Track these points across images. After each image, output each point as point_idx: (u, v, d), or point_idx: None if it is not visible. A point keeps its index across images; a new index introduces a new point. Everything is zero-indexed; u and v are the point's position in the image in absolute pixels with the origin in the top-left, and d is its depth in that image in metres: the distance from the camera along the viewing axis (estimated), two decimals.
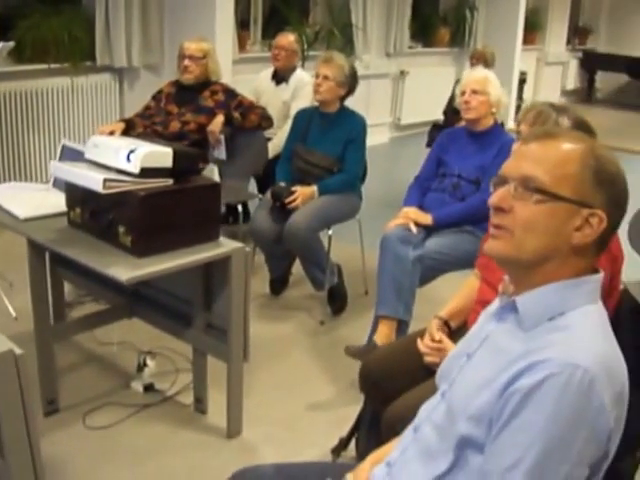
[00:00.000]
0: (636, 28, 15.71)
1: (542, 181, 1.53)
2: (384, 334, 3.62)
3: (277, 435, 3.40)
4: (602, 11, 16.04)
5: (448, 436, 1.60)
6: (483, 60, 6.95)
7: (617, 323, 2.48)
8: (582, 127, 2.50)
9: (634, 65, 14.78)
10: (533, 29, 13.08)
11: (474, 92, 3.97)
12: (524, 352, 1.49)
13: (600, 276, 1.61)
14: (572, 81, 15.35)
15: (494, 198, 1.59)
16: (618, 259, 2.44)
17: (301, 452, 3.24)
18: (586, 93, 15.72)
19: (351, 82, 4.55)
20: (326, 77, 4.46)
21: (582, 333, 1.51)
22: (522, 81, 11.96)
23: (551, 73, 14.26)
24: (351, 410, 3.19)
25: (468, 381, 1.62)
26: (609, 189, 1.55)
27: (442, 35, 10.95)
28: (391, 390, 2.60)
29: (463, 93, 4.02)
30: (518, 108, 11.56)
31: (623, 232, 2.97)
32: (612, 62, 15.17)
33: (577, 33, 15.58)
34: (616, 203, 1.57)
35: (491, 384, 1.51)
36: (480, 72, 4.15)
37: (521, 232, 1.55)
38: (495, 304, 1.75)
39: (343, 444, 3.15)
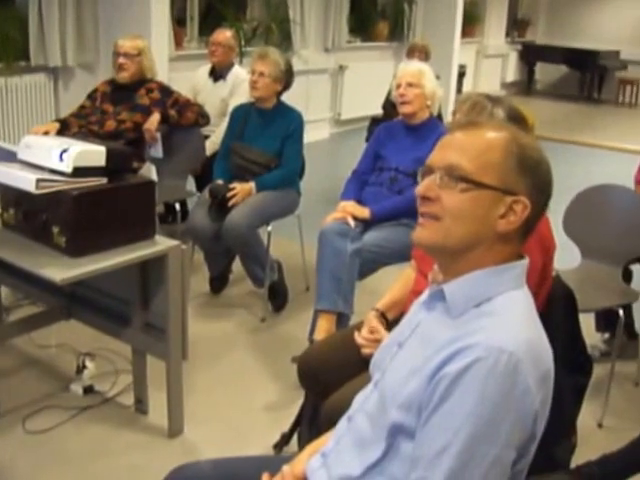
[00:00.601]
0: (574, 19, 15.97)
1: (466, 169, 1.56)
2: (324, 328, 3.62)
3: (219, 433, 3.39)
4: (540, 3, 16.29)
5: (380, 425, 1.61)
6: (425, 52, 7.00)
7: (550, 309, 2.53)
8: (516, 118, 2.53)
9: (573, 56, 15.02)
10: (472, 22, 13.22)
11: (409, 85, 3.99)
12: (452, 339, 1.51)
13: (525, 262, 1.64)
14: (512, 73, 15.57)
15: (420, 188, 1.62)
16: (550, 249, 2.48)
17: (244, 449, 3.23)
18: (526, 85, 15.94)
19: (287, 77, 4.55)
20: (262, 73, 4.45)
21: (508, 318, 1.54)
22: (461, 74, 12.06)
23: (491, 66, 14.43)
24: (293, 406, 3.20)
25: (399, 369, 1.64)
26: (532, 176, 1.58)
27: (381, 29, 10.99)
28: (330, 383, 2.61)
29: (398, 86, 4.03)
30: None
31: (556, 221, 3.02)
32: (551, 54, 15.41)
33: (516, 25, 15.78)
34: (539, 190, 1.60)
35: (420, 371, 1.53)
36: (414, 65, 4.18)
37: (448, 220, 1.57)
38: (426, 293, 1.77)
39: (285, 439, 3.16)
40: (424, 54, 6.94)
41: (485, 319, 1.53)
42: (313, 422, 2.85)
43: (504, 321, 1.53)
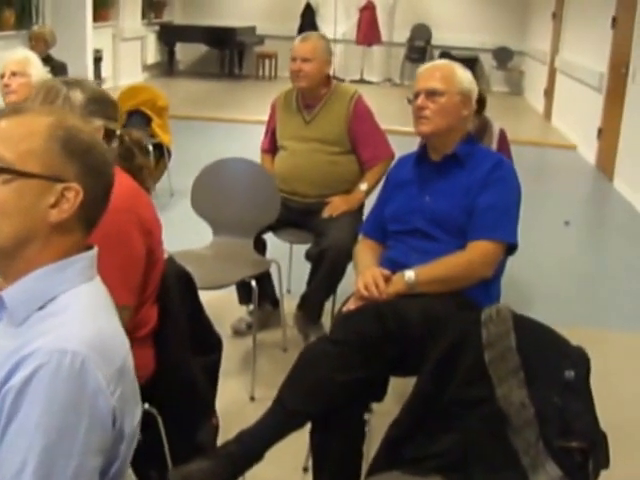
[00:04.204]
0: None
1: (7, 159, 1.43)
2: None
3: None
4: None
5: None
6: (43, 41, 6.70)
7: (166, 293, 2.47)
8: (99, 99, 2.41)
9: (211, 34, 15.27)
10: (105, 5, 12.99)
11: (13, 74, 3.80)
12: (16, 348, 1.38)
13: (93, 253, 1.55)
14: (152, 55, 15.48)
15: None
16: (153, 232, 2.40)
17: None
18: (167, 66, 15.92)
19: None
20: None
21: (72, 316, 1.43)
22: (98, 59, 11.79)
23: (129, 49, 14.25)
24: None
25: None
26: (82, 160, 1.48)
27: (7, 18, 10.39)
28: None
29: (2, 76, 3.82)
30: None
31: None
32: (190, 33, 15.56)
33: (152, 6, 15.66)
34: (93, 173, 1.50)
35: None
36: (20, 53, 3.97)
37: None
38: None
39: None
40: (43, 42, 6.65)
41: (49, 321, 1.42)
42: None
43: (68, 320, 1.42)
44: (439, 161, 2.95)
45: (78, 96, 2.33)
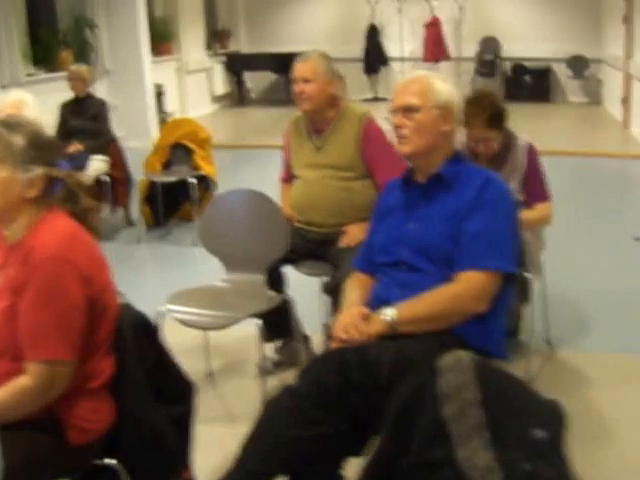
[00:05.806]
0: (274, 25, 16.17)
1: None
2: None
3: None
4: (239, 12, 16.30)
5: None
6: (80, 79, 6.64)
7: (122, 342, 2.29)
8: (42, 144, 2.25)
9: (277, 61, 15.11)
10: (166, 39, 12.94)
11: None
12: None
13: None
14: (221, 86, 15.43)
15: None
16: (94, 279, 2.20)
17: None
18: (237, 96, 15.87)
19: None
20: None
21: None
22: (160, 94, 11.78)
23: (196, 81, 14.22)
24: None
25: None
26: None
27: (65, 57, 10.44)
28: None
29: None
30: (162, 121, 11.36)
31: None
32: (257, 61, 15.47)
33: (216, 37, 15.64)
34: None
35: None
36: (14, 95, 3.93)
37: None
38: None
39: None
40: (81, 80, 6.60)
41: None
42: None
43: None
44: (425, 183, 2.69)
45: (19, 142, 2.18)
